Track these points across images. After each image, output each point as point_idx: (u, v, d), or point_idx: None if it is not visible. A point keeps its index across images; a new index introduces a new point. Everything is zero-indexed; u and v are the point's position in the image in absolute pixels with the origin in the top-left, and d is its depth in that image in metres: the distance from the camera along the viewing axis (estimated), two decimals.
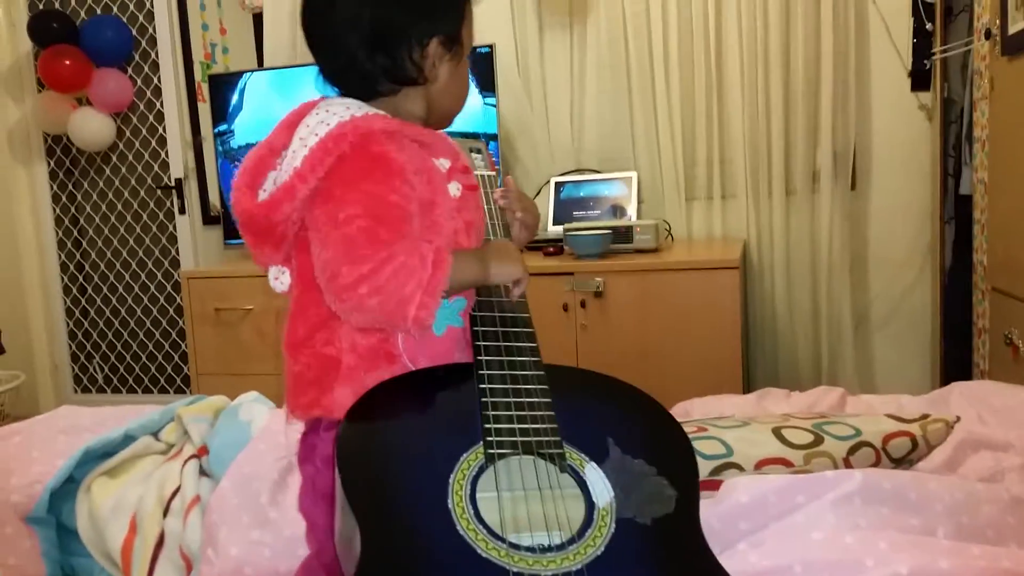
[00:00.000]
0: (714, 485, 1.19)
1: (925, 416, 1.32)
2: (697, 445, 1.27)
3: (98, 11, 3.48)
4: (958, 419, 1.34)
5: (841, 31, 2.75)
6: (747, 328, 2.91)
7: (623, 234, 2.68)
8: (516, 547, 0.79)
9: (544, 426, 0.91)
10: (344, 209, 0.96)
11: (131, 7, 3.46)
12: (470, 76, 1.14)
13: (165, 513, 1.37)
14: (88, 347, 3.75)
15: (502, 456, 0.87)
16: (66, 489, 1.42)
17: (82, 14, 3.49)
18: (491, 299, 1.07)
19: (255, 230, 1.03)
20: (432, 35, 1.05)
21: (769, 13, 2.79)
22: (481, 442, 0.88)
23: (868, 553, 0.99)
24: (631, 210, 2.91)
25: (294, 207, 0.98)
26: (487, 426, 0.89)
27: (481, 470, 0.85)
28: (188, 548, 1.32)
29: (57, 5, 3.52)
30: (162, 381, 3.67)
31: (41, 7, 3.53)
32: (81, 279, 3.73)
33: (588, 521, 0.83)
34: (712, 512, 1.11)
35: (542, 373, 0.98)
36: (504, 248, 1.08)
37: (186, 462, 1.43)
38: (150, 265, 3.63)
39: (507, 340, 1.01)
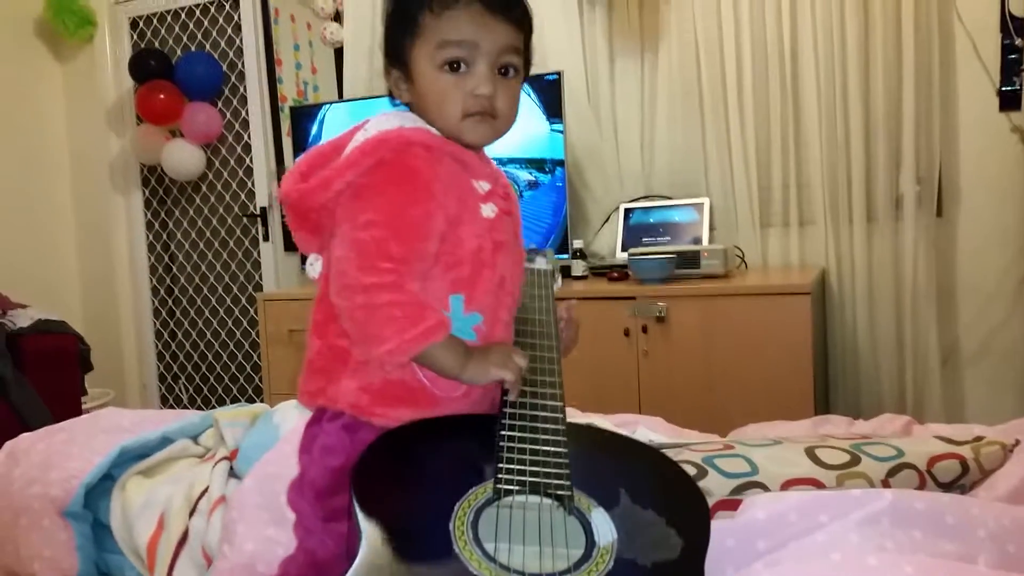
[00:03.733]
0: (734, 505, 1.12)
1: (979, 438, 1.22)
2: (720, 463, 1.21)
3: (192, 48, 3.69)
4: (1018, 442, 1.22)
5: (924, 49, 2.63)
6: (825, 359, 2.78)
7: (689, 259, 2.61)
8: (507, 570, 0.79)
9: (556, 470, 0.92)
10: (365, 212, 0.99)
11: (222, 44, 3.65)
12: (454, 91, 1.04)
13: (192, 512, 1.39)
14: (175, 368, 3.91)
15: (509, 492, 0.89)
16: (104, 487, 1.47)
17: (178, 52, 3.70)
18: (526, 343, 1.10)
19: (293, 213, 1.07)
20: (388, 63, 1.10)
21: (847, 32, 2.70)
22: (492, 479, 0.90)
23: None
24: (703, 236, 2.85)
25: (328, 198, 1.01)
26: (500, 465, 0.92)
27: (488, 502, 0.87)
28: (209, 546, 1.33)
29: (156, 44, 3.75)
30: (242, 401, 3.78)
31: (143, 46, 3.76)
32: (171, 302, 3.90)
33: (586, 557, 0.82)
34: (728, 530, 1.05)
35: (563, 426, 1.00)
36: (495, 353, 1.04)
37: (217, 463, 1.46)
38: (235, 290, 3.77)
39: (532, 387, 1.04)
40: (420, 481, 0.91)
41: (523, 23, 1.08)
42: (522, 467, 0.92)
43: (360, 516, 0.84)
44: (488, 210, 1.07)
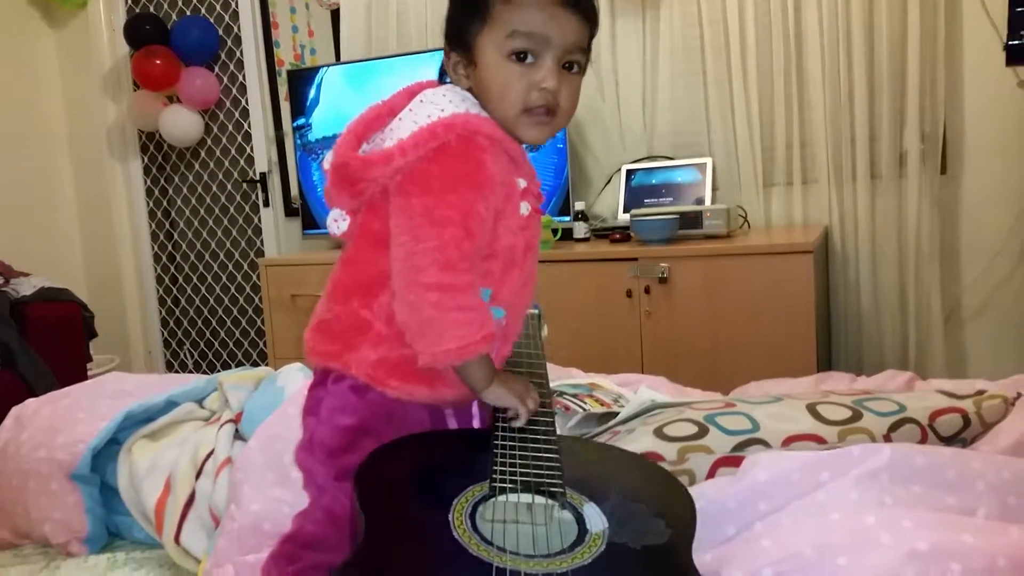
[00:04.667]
0: (736, 462, 1.13)
1: (981, 392, 1.22)
2: (721, 421, 1.22)
3: (188, 12, 3.64)
4: (1019, 395, 1.23)
5: (929, 4, 2.59)
6: (827, 317, 2.78)
7: (692, 219, 2.60)
8: (504, 551, 0.82)
9: (549, 471, 0.96)
10: (440, 208, 0.98)
11: (217, 8, 3.60)
12: (518, 82, 1.03)
13: (198, 475, 1.40)
14: (179, 333, 3.93)
15: (504, 490, 0.92)
16: (110, 450, 1.48)
17: (173, 16, 3.66)
18: (516, 352, 1.15)
19: (342, 177, 1.05)
20: (449, 45, 1.08)
21: None
22: (488, 479, 0.94)
23: (887, 531, 0.91)
24: (706, 197, 2.83)
25: (385, 173, 1.01)
26: (495, 467, 0.95)
27: (484, 498, 0.90)
28: (216, 507, 1.35)
29: (151, 8, 3.70)
30: (247, 365, 3.80)
31: (138, 11, 3.72)
32: (172, 269, 3.91)
33: (579, 541, 0.85)
34: (730, 492, 1.05)
35: (554, 436, 1.04)
36: (519, 384, 1.08)
37: (222, 426, 1.47)
38: (237, 255, 3.77)
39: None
40: (420, 480, 0.95)
41: (591, 17, 1.07)
42: (515, 468, 0.95)
43: (362, 506, 0.87)
44: (524, 208, 1.07)
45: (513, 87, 1.03)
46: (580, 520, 0.89)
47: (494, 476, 0.93)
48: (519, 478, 0.94)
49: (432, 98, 1.04)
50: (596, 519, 0.90)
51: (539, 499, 0.92)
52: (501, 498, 0.91)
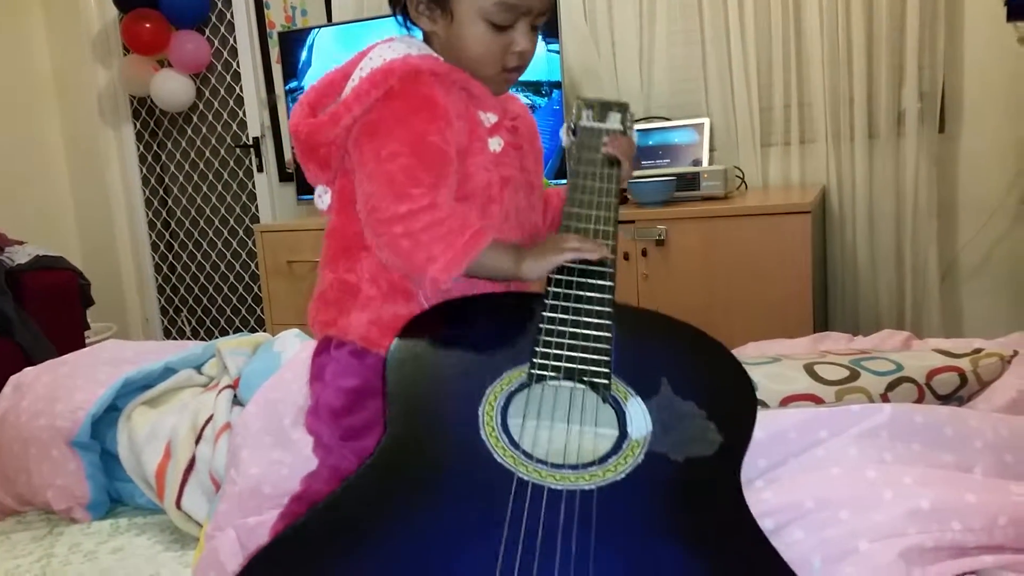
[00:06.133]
0: None
1: (977, 350, 1.22)
2: None
3: None
4: (1015, 354, 1.23)
5: None
6: (825, 277, 2.78)
7: (689, 181, 2.58)
8: (531, 458, 0.78)
9: (596, 356, 0.90)
10: (387, 145, 0.98)
11: None
12: (495, 46, 1.04)
13: (198, 440, 1.41)
14: (176, 300, 3.92)
15: (542, 379, 0.87)
16: (110, 417, 1.49)
17: None
18: (580, 214, 1.07)
19: (301, 147, 1.07)
20: None
21: None
22: (528, 362, 0.88)
23: (889, 487, 0.92)
24: (703, 157, 2.81)
25: (336, 133, 1.01)
26: (537, 348, 0.89)
27: (520, 387, 0.85)
28: (216, 472, 1.35)
29: None
30: (245, 332, 3.80)
31: None
32: (168, 236, 3.89)
33: (615, 450, 0.81)
34: None
35: (609, 309, 0.96)
36: (547, 247, 1.03)
37: (220, 392, 1.47)
38: (232, 221, 3.75)
39: (582, 276, 0.99)
40: (455, 363, 0.90)
41: None
42: (559, 351, 0.90)
43: (388, 395, 0.84)
44: (495, 143, 1.07)
45: (491, 51, 1.04)
46: (622, 419, 0.84)
47: (534, 361, 0.89)
48: (562, 363, 0.88)
49: (379, 52, 1.04)
50: (640, 419, 0.84)
51: (580, 390, 0.86)
52: (537, 388, 0.86)
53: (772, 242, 2.36)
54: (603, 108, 1.24)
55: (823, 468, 0.99)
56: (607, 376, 0.88)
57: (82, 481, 1.44)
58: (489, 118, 1.07)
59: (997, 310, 2.72)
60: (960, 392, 1.19)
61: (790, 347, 1.71)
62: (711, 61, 2.89)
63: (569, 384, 0.86)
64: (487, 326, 0.97)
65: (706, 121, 2.86)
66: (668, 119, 2.94)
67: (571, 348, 0.90)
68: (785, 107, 2.81)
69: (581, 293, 0.97)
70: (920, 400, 1.17)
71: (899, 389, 1.17)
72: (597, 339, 0.91)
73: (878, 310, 2.75)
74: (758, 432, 1.06)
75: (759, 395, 1.18)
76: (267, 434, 1.31)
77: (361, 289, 1.04)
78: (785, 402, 1.17)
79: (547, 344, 0.90)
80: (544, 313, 0.94)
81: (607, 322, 0.94)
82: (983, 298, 2.75)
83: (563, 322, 0.93)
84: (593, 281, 0.98)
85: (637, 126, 2.89)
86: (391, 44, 1.05)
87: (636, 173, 2.66)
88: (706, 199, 2.56)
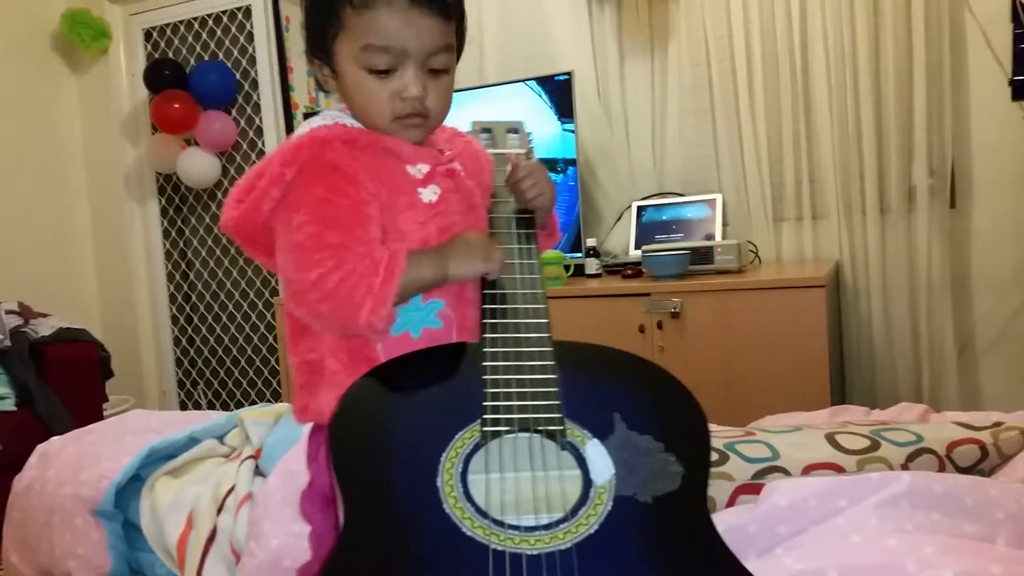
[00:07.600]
0: (756, 489, 1.14)
1: (998, 424, 1.22)
2: (741, 449, 1.23)
3: (206, 57, 3.73)
4: None
5: (935, 42, 2.63)
6: (841, 351, 2.79)
7: (703, 255, 2.62)
8: (501, 525, 0.76)
9: (546, 402, 0.87)
10: (294, 218, 0.98)
11: (235, 53, 3.68)
12: (380, 94, 1.01)
13: (219, 510, 1.41)
14: (193, 373, 3.95)
15: (497, 435, 0.84)
16: (133, 487, 1.49)
17: (192, 61, 3.74)
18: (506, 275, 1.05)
19: (240, 239, 1.06)
20: (310, 52, 1.06)
21: (857, 25, 2.70)
22: (479, 420, 0.86)
23: (911, 556, 0.92)
24: (716, 232, 2.86)
25: (262, 216, 1.01)
26: (486, 403, 0.87)
27: (476, 448, 0.83)
28: (237, 542, 1.35)
29: (171, 54, 3.78)
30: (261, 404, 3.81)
31: (157, 56, 3.80)
32: (188, 309, 3.94)
33: (583, 500, 0.79)
34: (749, 516, 1.06)
35: (550, 349, 0.94)
36: (467, 242, 1.02)
37: (242, 462, 1.48)
38: (252, 295, 3.80)
39: (516, 317, 0.98)
40: (402, 434, 0.85)
41: (451, 12, 1.02)
42: (509, 402, 0.87)
43: (340, 483, 0.79)
44: (429, 194, 1.04)
45: (375, 100, 1.00)
46: (583, 466, 0.82)
47: (485, 417, 0.85)
48: (514, 415, 0.85)
49: (300, 128, 1.04)
50: (601, 463, 0.82)
51: (537, 439, 0.83)
52: (494, 444, 0.83)
53: (787, 316, 2.38)
54: (499, 131, 1.20)
55: (844, 536, 0.99)
56: (560, 422, 0.86)
57: (104, 551, 1.44)
58: (420, 169, 1.04)
59: (1015, 384, 2.71)
60: (981, 465, 1.19)
61: (808, 419, 1.71)
62: (722, 138, 2.96)
63: (525, 437, 0.84)
64: (429, 389, 0.93)
65: (719, 197, 2.91)
66: (681, 194, 3.00)
67: (520, 397, 0.87)
68: (796, 183, 2.87)
69: (520, 336, 0.95)
70: (941, 471, 1.17)
71: (920, 460, 1.17)
72: (544, 383, 0.89)
73: (896, 383, 2.75)
74: (780, 500, 1.06)
75: (780, 463, 1.18)
76: (287, 507, 1.30)
77: (325, 366, 1.03)
78: (807, 470, 1.17)
79: (495, 396, 0.87)
80: (485, 363, 0.91)
81: (550, 363, 0.92)
82: (1001, 372, 2.74)
83: (506, 369, 0.90)
84: (529, 321, 0.97)
85: (652, 201, 2.96)
86: (316, 118, 1.05)
87: (652, 247, 2.70)
88: (720, 272, 2.59)
